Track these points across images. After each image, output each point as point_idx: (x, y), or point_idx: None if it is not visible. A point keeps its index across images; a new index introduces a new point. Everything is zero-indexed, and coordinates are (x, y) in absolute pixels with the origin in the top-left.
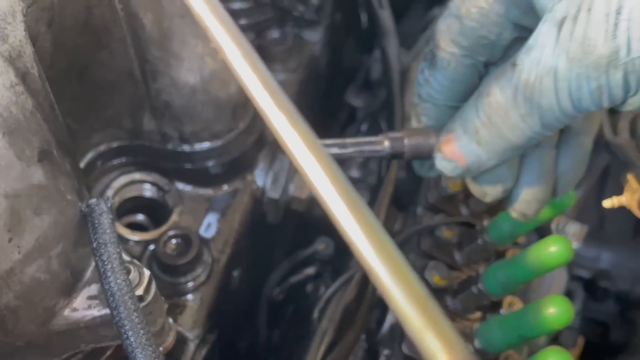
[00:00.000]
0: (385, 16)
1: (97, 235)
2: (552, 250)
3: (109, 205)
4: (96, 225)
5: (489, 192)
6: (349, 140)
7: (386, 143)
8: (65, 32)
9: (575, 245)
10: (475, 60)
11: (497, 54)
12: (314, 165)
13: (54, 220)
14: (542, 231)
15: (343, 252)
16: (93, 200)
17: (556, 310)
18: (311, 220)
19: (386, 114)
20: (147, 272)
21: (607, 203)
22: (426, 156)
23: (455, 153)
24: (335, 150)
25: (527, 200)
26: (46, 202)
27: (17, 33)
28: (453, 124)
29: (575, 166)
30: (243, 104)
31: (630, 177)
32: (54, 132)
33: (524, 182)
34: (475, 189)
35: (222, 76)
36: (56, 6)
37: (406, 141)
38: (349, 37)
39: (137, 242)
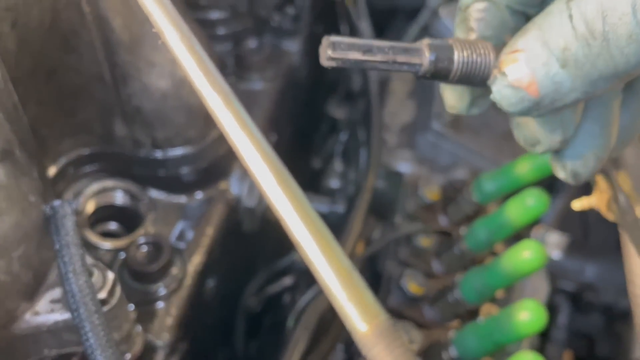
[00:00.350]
0: (364, 27)
1: (60, 237)
2: (526, 255)
3: (72, 207)
4: (59, 227)
5: (543, 140)
6: (376, 44)
7: (427, 53)
8: (30, 33)
9: (556, 255)
10: None
11: None
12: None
13: (15, 221)
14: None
15: None
16: (57, 203)
17: (529, 315)
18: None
19: (365, 124)
20: (111, 275)
21: (576, 204)
22: (479, 80)
23: (525, 78)
24: (358, 56)
25: (584, 156)
26: (7, 202)
27: None
28: (525, 36)
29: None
30: None
31: (598, 178)
32: (17, 133)
33: (585, 131)
34: (525, 132)
35: None
36: (20, 7)
37: (457, 54)
38: None
39: (108, 249)
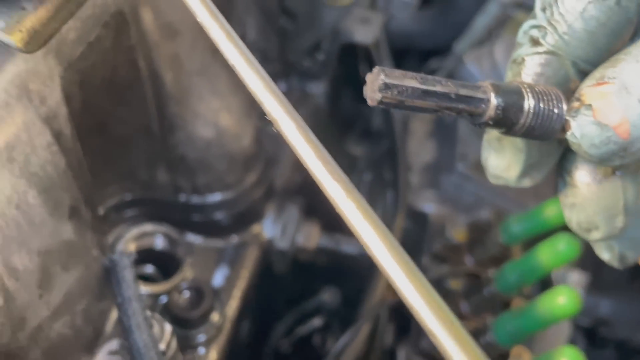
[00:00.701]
0: None
1: (122, 290)
2: (561, 301)
3: (131, 260)
4: (120, 280)
5: (602, 226)
6: (436, 84)
7: (492, 98)
8: (93, 91)
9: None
10: None
11: None
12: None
13: (80, 276)
14: (544, 280)
15: (350, 302)
16: (116, 256)
17: (565, 299)
18: (316, 269)
19: (390, 163)
20: (168, 327)
21: None
22: (546, 134)
23: (615, 115)
24: (413, 98)
25: (636, 239)
26: (74, 257)
27: (55, 95)
28: (617, 66)
29: None
30: (255, 156)
31: None
32: (82, 189)
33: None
34: (581, 216)
35: (236, 130)
36: (89, 68)
37: (527, 101)
38: (350, 86)
39: (148, 294)
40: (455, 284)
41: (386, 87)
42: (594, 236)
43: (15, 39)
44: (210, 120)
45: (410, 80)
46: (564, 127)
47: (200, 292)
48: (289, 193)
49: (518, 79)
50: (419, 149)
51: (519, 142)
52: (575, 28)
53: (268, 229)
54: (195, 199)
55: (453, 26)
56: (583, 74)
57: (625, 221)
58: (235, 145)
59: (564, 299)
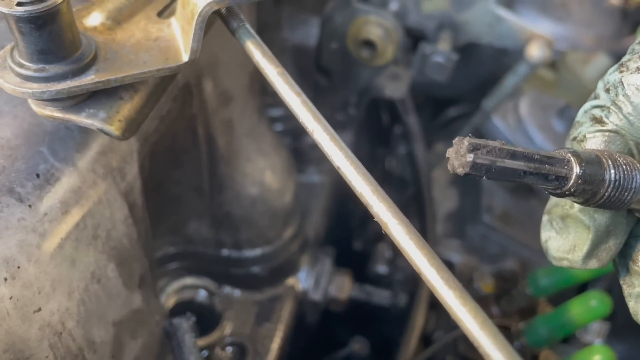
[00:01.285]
0: (412, 122)
1: (184, 355)
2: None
3: (190, 324)
4: (181, 344)
5: None
6: (520, 151)
7: (575, 167)
8: (157, 159)
9: (598, 342)
10: None
11: None
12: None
13: (145, 342)
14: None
15: (379, 352)
16: (176, 320)
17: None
18: (347, 320)
19: (416, 210)
20: None
21: None
22: (623, 204)
23: None
24: (500, 164)
25: None
26: (141, 325)
27: (133, 170)
28: None
29: None
30: (293, 211)
31: None
32: (149, 257)
33: None
34: None
35: (279, 187)
36: (158, 139)
37: (608, 172)
38: (371, 132)
39: None
40: None
41: (475, 147)
42: None
43: (114, 129)
44: (257, 179)
45: (497, 160)
46: None
47: (242, 347)
48: (319, 242)
49: (599, 150)
50: (442, 197)
51: (586, 221)
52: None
53: (303, 281)
54: (236, 254)
55: (471, 77)
56: None
57: None
58: (278, 202)
59: (599, 357)
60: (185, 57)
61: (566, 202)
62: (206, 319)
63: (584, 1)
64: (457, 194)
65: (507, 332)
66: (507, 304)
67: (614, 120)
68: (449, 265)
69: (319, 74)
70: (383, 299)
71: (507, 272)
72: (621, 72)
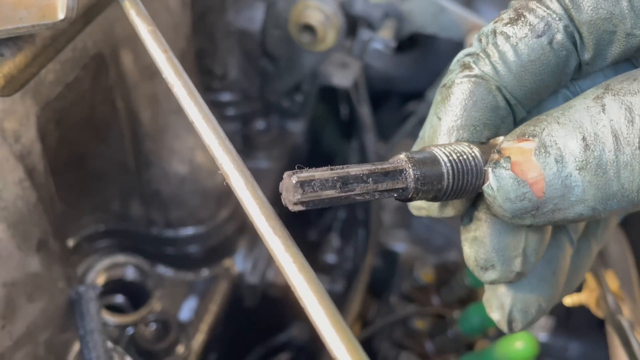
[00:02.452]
0: (364, 112)
1: (85, 322)
2: (518, 346)
3: (97, 292)
4: (84, 312)
5: (499, 266)
6: (353, 172)
7: (410, 173)
8: (70, 128)
9: (542, 336)
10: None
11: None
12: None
13: (44, 307)
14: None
15: (319, 338)
16: (82, 288)
17: (523, 344)
18: (287, 305)
19: (363, 204)
20: None
21: (567, 301)
22: (471, 191)
23: (532, 171)
24: (332, 194)
25: (528, 301)
26: (39, 289)
27: (29, 133)
28: (538, 125)
29: (583, 273)
30: (228, 193)
31: (588, 276)
32: (52, 223)
33: (536, 273)
34: (480, 251)
35: (210, 167)
36: (66, 107)
37: (444, 167)
38: (329, 125)
39: (116, 325)
40: (421, 324)
41: (302, 185)
42: (489, 276)
43: None
44: (186, 157)
45: (324, 173)
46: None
47: (166, 324)
48: None
49: (430, 146)
50: None
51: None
52: (507, 59)
53: (239, 263)
54: (168, 233)
55: (431, 70)
56: (509, 108)
57: (523, 268)
58: (209, 182)
59: (521, 343)
60: (60, 15)
61: None
62: (136, 297)
63: None
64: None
65: (442, 321)
66: (447, 294)
67: (481, 67)
68: (394, 254)
69: (265, 59)
70: (322, 283)
71: (449, 263)
72: (495, 22)
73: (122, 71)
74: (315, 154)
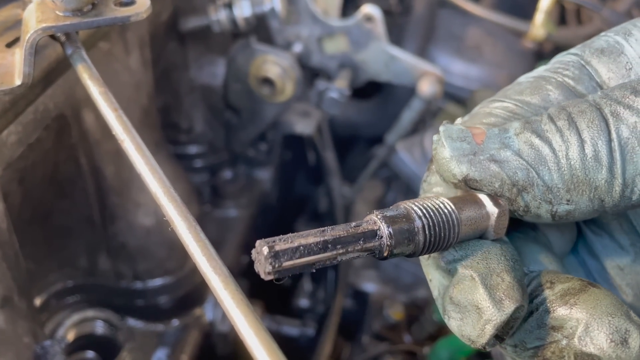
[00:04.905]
0: (329, 157)
1: None
2: None
3: (62, 346)
4: None
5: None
6: (328, 238)
7: (384, 232)
8: (33, 186)
9: None
10: None
11: None
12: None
13: None
14: (483, 355)
15: None
16: (47, 343)
17: None
18: None
19: None
20: None
21: None
22: (447, 245)
23: (475, 128)
24: (307, 260)
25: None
26: (4, 345)
27: None
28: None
29: None
30: None
31: None
32: (16, 280)
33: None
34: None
35: None
36: (29, 167)
37: (418, 223)
38: (299, 171)
39: None
40: None
41: (274, 254)
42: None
43: None
44: (151, 209)
45: (299, 240)
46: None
47: None
48: (234, 276)
49: (403, 201)
50: None
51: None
52: (442, 184)
53: (209, 312)
54: (137, 285)
55: (392, 116)
56: None
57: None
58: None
59: None
60: (17, 81)
61: None
62: (107, 351)
63: (497, 44)
64: None
65: (413, 357)
66: (417, 331)
67: (435, 180)
68: (364, 294)
69: (229, 111)
70: (292, 328)
71: (419, 299)
72: (428, 169)
73: (84, 130)
74: (286, 200)
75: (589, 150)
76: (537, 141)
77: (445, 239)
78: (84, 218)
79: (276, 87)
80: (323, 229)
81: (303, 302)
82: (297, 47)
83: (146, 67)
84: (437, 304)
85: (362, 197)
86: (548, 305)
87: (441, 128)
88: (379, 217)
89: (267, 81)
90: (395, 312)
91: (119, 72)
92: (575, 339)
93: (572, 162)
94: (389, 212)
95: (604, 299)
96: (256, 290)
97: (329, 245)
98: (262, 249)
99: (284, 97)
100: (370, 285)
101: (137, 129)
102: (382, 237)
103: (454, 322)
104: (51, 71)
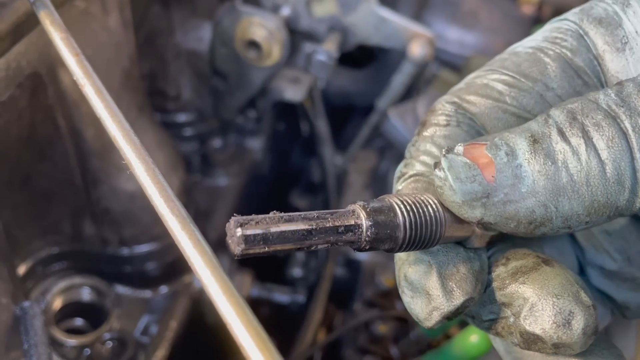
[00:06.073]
0: (321, 126)
1: (29, 337)
2: (473, 340)
3: (41, 307)
4: (28, 328)
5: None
6: (303, 226)
7: (364, 222)
8: (9, 147)
9: None
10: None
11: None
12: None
13: None
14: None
15: (283, 352)
16: (26, 304)
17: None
18: None
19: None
20: None
21: None
22: (429, 242)
23: (482, 157)
24: (278, 228)
25: None
26: None
27: None
28: (488, 135)
29: None
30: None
31: None
32: None
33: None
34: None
35: None
36: (2, 126)
37: (401, 217)
38: (294, 143)
39: (73, 346)
40: (384, 328)
41: (242, 222)
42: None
43: None
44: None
45: (275, 225)
46: (445, 228)
47: (123, 342)
48: (224, 245)
49: (388, 195)
50: (355, 199)
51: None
52: (431, 152)
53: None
54: (124, 251)
55: (384, 84)
56: None
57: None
58: None
59: (475, 337)
60: None
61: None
62: (95, 318)
63: (493, 10)
64: (370, 195)
65: (404, 324)
66: (405, 346)
67: (414, 169)
68: (356, 263)
69: (216, 77)
70: (282, 295)
71: None
72: (417, 134)
73: (61, 90)
74: (279, 171)
75: (610, 174)
76: (552, 170)
77: (426, 240)
78: (65, 182)
79: (262, 50)
80: (303, 214)
81: (296, 272)
82: (285, 10)
83: (127, 29)
84: (395, 275)
85: (355, 167)
86: (499, 282)
87: (444, 162)
88: (361, 208)
89: (254, 44)
90: (387, 279)
91: (97, 33)
92: (521, 318)
93: (593, 189)
94: (373, 204)
95: (553, 278)
96: (247, 260)
97: (305, 234)
98: (235, 230)
99: (271, 61)
100: (362, 254)
101: (117, 92)
102: (361, 230)
103: (405, 298)
104: (20, 24)
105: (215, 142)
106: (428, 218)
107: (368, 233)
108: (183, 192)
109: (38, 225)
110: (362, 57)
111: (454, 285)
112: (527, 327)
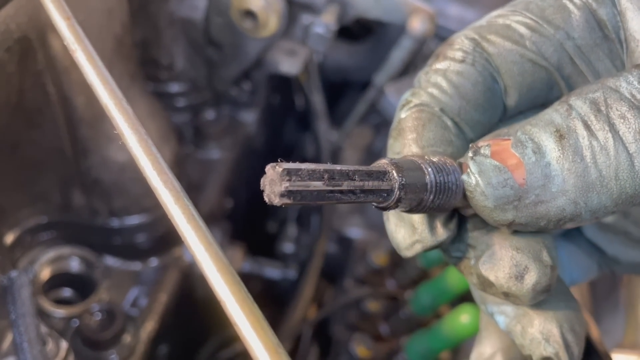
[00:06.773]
0: (317, 100)
1: (16, 307)
2: (464, 319)
3: (29, 277)
4: (15, 297)
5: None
6: (338, 170)
7: (395, 176)
8: (2, 115)
9: None
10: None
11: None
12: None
13: None
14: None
15: (273, 327)
16: (14, 273)
17: (468, 317)
18: None
19: None
20: (64, 344)
21: None
22: (450, 204)
23: (510, 158)
24: (319, 187)
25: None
26: None
27: None
28: (512, 127)
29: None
30: None
31: None
32: None
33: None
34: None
35: None
36: None
37: (428, 176)
38: (288, 117)
39: (61, 317)
40: (374, 306)
41: (289, 173)
42: (528, 281)
43: None
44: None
45: (310, 165)
46: (464, 195)
47: (111, 314)
48: (215, 218)
49: (411, 155)
50: None
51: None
52: (441, 85)
53: (188, 253)
54: (114, 222)
55: (382, 59)
56: (457, 127)
57: (553, 275)
58: None
59: (466, 317)
60: None
61: None
62: (84, 289)
63: None
64: None
65: (395, 302)
66: (401, 276)
67: (420, 98)
68: (349, 240)
69: (211, 47)
70: (273, 270)
71: None
72: (425, 67)
73: (51, 56)
74: (273, 146)
75: (639, 166)
76: (581, 167)
77: (447, 200)
78: (55, 150)
79: (259, 20)
80: (344, 171)
81: (287, 247)
82: None
83: None
84: None
85: (350, 144)
86: (472, 225)
87: (473, 167)
88: (391, 165)
89: (250, 14)
90: (378, 257)
91: None
92: (480, 262)
93: (621, 183)
94: (401, 162)
95: (522, 233)
96: (239, 235)
97: (343, 193)
98: (275, 169)
99: (267, 32)
100: (355, 231)
101: (109, 59)
102: (393, 182)
103: (389, 225)
104: None
105: (208, 113)
106: (450, 180)
107: (397, 195)
108: (175, 164)
109: (26, 193)
110: (359, 31)
111: (439, 222)
112: (483, 272)
